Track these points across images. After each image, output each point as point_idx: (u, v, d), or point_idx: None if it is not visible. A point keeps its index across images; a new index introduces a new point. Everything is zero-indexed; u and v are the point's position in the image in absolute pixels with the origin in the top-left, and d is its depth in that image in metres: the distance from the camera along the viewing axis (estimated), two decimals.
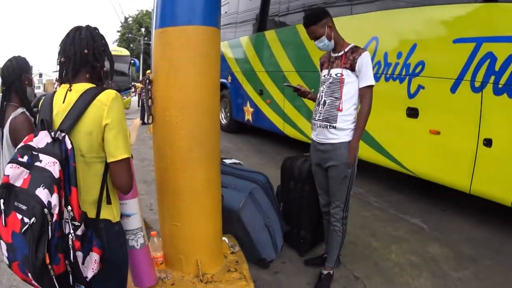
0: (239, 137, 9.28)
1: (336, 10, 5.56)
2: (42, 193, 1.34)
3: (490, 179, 3.88)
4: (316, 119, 2.88)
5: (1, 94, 2.44)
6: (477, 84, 3.87)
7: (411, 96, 4.52)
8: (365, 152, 5.18)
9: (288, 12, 7.01)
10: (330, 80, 2.82)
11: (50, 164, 1.38)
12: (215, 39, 2.53)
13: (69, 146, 1.43)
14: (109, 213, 1.65)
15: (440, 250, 3.76)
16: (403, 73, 4.57)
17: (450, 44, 4.08)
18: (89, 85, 1.60)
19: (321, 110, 2.84)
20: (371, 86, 2.74)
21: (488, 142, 3.80)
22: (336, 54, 2.86)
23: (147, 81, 2.56)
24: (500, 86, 3.68)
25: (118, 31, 53.27)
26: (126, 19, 47.85)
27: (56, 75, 4.99)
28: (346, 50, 2.81)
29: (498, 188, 3.83)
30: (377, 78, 4.85)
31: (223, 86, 9.45)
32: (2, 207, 1.38)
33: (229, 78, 9.27)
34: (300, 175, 3.40)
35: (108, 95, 1.54)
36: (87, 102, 1.52)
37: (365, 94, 2.74)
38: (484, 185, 3.94)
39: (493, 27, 3.77)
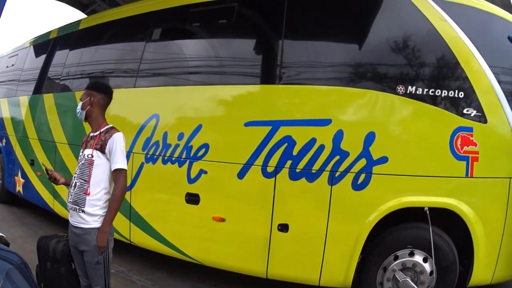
0: (4, 206, 8.03)
1: (119, 81, 5.16)
2: None
3: (290, 262, 3.83)
4: (68, 201, 2.76)
5: None
6: (270, 170, 3.78)
7: (191, 181, 4.21)
8: (143, 240, 4.74)
9: (69, 77, 6.30)
10: (82, 161, 2.72)
11: None
12: None
13: None
14: None
15: None
16: (184, 156, 4.26)
17: (241, 127, 3.96)
18: None
19: (72, 192, 2.72)
20: (122, 170, 2.67)
21: (283, 227, 3.74)
22: (92, 134, 2.78)
23: None
24: (298, 170, 3.65)
25: None
26: None
27: None
28: (101, 130, 2.74)
29: (301, 270, 3.80)
30: (154, 160, 4.49)
31: None
32: None
33: (4, 141, 7.96)
34: (54, 256, 3.10)
35: None
36: None
37: (116, 178, 2.68)
38: (283, 268, 3.87)
39: (291, 109, 3.81)
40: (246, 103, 4.14)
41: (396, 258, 3.61)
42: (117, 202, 2.67)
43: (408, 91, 3.47)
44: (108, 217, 2.67)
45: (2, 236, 3.59)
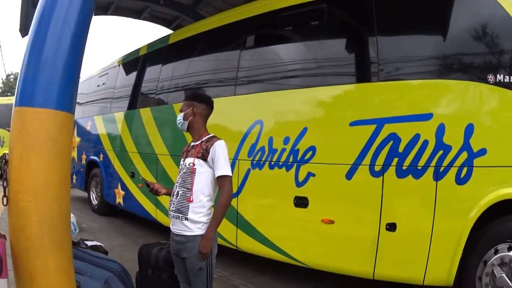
0: (103, 217, 8.44)
1: (217, 90, 5.27)
2: None
3: (396, 262, 3.75)
4: (171, 209, 2.80)
5: None
6: (377, 168, 3.73)
7: (299, 184, 4.21)
8: (250, 245, 4.80)
9: (164, 90, 6.55)
10: (184, 170, 2.77)
11: None
12: (67, 125, 2.61)
13: None
14: None
15: None
16: (291, 160, 4.28)
17: (346, 127, 3.94)
18: None
19: (174, 201, 2.77)
20: (227, 177, 2.67)
21: (391, 227, 3.67)
22: (193, 143, 2.83)
23: (3, 161, 2.62)
24: (404, 168, 3.59)
25: None
26: (8, 76, 42.52)
27: None
28: (203, 139, 2.78)
29: (407, 270, 3.71)
30: (260, 166, 4.55)
31: (94, 164, 8.71)
32: None
33: (101, 156, 8.41)
34: (157, 263, 3.21)
35: None
36: None
37: (222, 184, 2.70)
38: (390, 269, 3.79)
39: (394, 106, 3.77)
40: (348, 102, 4.11)
41: (496, 252, 3.46)
42: (223, 209, 2.67)
43: (497, 80, 3.34)
44: (214, 224, 2.67)
45: (100, 245, 3.80)
